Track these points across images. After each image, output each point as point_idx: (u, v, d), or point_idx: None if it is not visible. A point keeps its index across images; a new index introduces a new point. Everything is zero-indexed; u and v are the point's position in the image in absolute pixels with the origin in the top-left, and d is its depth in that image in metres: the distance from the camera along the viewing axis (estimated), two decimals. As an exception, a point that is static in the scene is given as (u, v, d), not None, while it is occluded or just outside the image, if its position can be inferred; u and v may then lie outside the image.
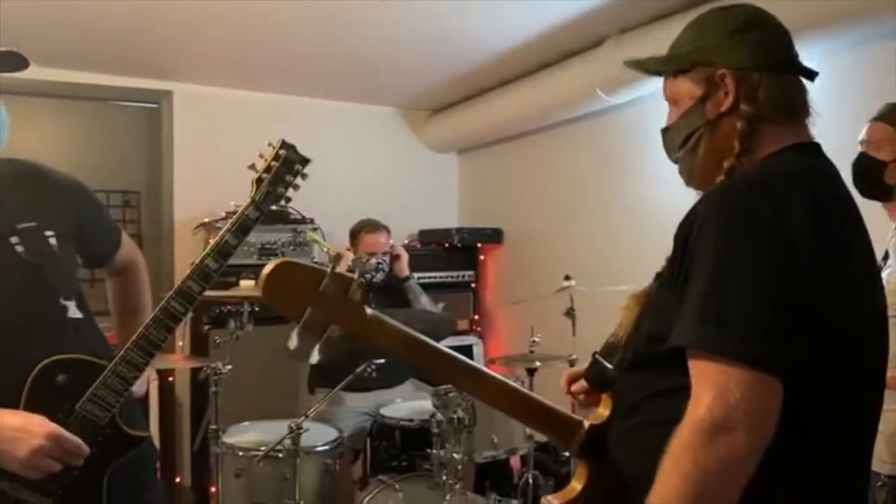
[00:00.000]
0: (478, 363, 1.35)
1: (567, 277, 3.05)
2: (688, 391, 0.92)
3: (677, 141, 1.15)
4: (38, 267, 1.39)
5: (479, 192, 4.94)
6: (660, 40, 2.98)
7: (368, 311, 1.12)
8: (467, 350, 4.44)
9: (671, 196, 3.10)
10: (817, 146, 1.09)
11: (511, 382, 1.22)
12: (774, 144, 1.06)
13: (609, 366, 1.19)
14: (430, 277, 4.45)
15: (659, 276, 1.09)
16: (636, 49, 3.06)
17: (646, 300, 1.12)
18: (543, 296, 3.18)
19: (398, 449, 2.85)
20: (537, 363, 2.91)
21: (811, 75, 1.11)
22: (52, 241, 1.44)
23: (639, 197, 3.47)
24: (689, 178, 1.16)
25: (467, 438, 2.47)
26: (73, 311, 1.45)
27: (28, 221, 1.42)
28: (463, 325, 4.56)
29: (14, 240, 1.39)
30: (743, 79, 1.06)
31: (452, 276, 4.55)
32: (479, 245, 4.64)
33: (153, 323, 1.41)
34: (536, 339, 3.01)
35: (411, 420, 2.81)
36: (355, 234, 3.42)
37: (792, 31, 1.12)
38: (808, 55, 1.16)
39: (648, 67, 1.22)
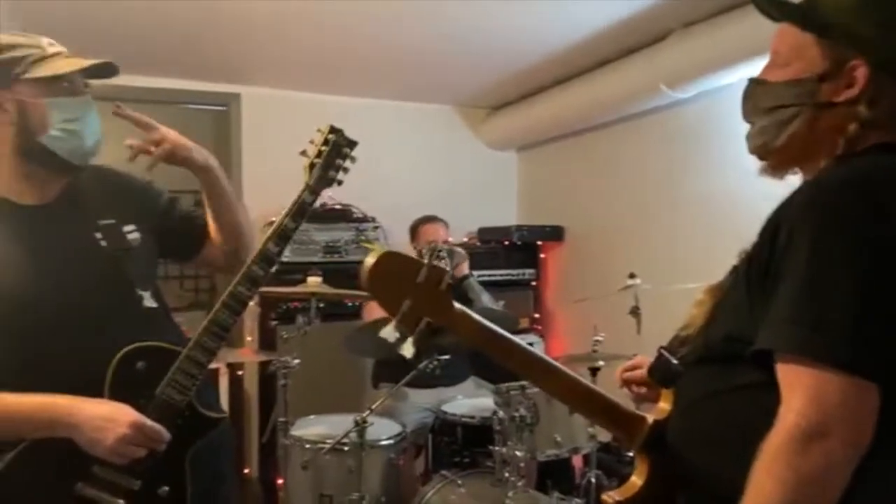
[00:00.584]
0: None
1: (632, 276, 3.01)
2: (759, 390, 0.91)
3: (767, 104, 1.07)
4: (117, 260, 1.48)
5: (539, 189, 4.92)
6: (726, 33, 2.94)
7: (456, 305, 1.13)
8: (528, 349, 4.42)
9: (738, 192, 3.07)
10: None
11: (578, 376, 1.21)
12: (863, 144, 1.00)
13: (675, 361, 1.17)
14: (489, 276, 4.45)
15: (735, 270, 1.07)
16: (701, 43, 3.02)
17: (720, 295, 1.09)
18: (607, 294, 3.15)
19: (460, 445, 2.87)
20: (600, 362, 2.88)
21: None
22: (131, 235, 1.53)
23: (705, 193, 3.39)
24: (760, 149, 1.09)
25: (529, 437, 2.48)
26: (149, 301, 1.53)
27: (108, 219, 1.51)
28: (523, 323, 4.54)
29: (98, 235, 1.49)
30: (875, 78, 0.98)
31: (512, 275, 4.54)
32: (539, 243, 4.62)
33: (222, 307, 1.47)
34: (600, 339, 2.97)
35: (473, 417, 2.83)
36: (414, 228, 3.50)
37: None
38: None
39: (777, 10, 1.09)
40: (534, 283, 4.62)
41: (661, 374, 1.21)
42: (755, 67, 1.14)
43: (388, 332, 1.10)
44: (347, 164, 1.59)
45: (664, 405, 1.17)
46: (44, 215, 1.45)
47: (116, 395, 1.38)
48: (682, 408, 1.11)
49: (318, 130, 1.59)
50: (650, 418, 1.16)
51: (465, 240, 4.70)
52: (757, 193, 1.09)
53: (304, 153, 1.58)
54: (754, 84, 1.11)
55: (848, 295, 0.86)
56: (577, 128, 4.26)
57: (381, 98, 4.57)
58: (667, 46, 3.19)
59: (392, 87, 4.37)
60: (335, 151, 1.56)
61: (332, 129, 1.57)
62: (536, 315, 4.62)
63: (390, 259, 1.09)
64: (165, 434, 1.38)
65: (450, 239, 3.49)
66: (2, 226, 1.40)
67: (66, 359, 1.37)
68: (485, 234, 4.68)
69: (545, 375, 1.21)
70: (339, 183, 1.60)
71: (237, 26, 3.19)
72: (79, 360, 1.37)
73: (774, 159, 1.08)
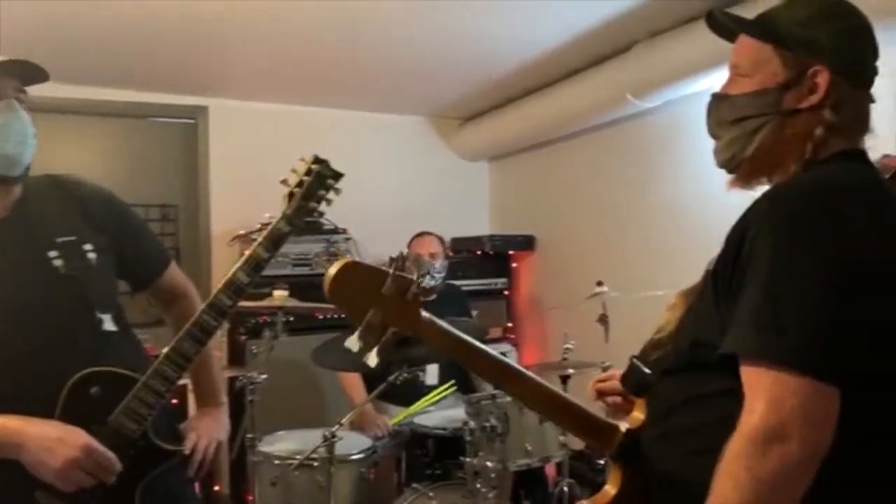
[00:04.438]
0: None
1: (599, 283, 3.03)
2: (730, 396, 0.91)
3: (732, 115, 1.08)
4: (74, 280, 1.42)
5: (511, 199, 4.94)
6: (689, 43, 2.98)
7: (424, 314, 1.12)
8: (501, 358, 4.42)
9: (704, 200, 3.10)
10: (865, 154, 1.07)
11: (550, 385, 1.21)
12: (826, 151, 1.03)
13: (647, 370, 1.17)
14: (462, 285, 4.45)
15: (706, 281, 1.07)
16: (666, 53, 3.05)
17: (693, 299, 1.10)
18: (576, 302, 3.16)
19: (432, 457, 2.85)
20: (570, 370, 2.89)
21: (874, 99, 1.08)
22: (91, 254, 1.47)
23: (671, 202, 3.43)
24: (729, 162, 1.10)
25: (500, 447, 2.47)
26: (109, 324, 1.48)
27: (67, 235, 1.46)
28: (496, 332, 4.55)
29: (52, 254, 1.43)
30: (836, 84, 1.02)
31: (485, 284, 4.55)
32: (511, 252, 4.63)
33: (185, 336, 1.42)
34: (570, 346, 2.99)
35: (444, 429, 2.81)
36: (409, 243, 3.50)
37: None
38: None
39: (737, 25, 1.11)
40: (506, 293, 4.62)
41: (633, 383, 1.21)
42: (719, 76, 1.16)
43: (352, 342, 1.09)
44: (331, 195, 1.53)
45: (637, 414, 1.17)
46: None
47: (67, 421, 1.33)
48: (655, 416, 1.12)
49: (302, 159, 1.55)
50: (623, 427, 1.17)
51: (438, 250, 4.71)
52: (722, 201, 1.11)
53: (284, 182, 1.53)
54: (717, 99, 1.13)
55: (809, 301, 0.88)
56: (547, 138, 4.29)
57: (353, 109, 4.56)
58: (632, 57, 3.23)
59: (364, 98, 4.36)
60: (317, 182, 1.50)
61: (317, 160, 1.51)
62: (509, 324, 4.62)
63: (354, 269, 1.08)
64: (117, 464, 1.33)
65: (437, 252, 3.45)
66: None
67: (18, 385, 1.33)
68: (458, 243, 4.68)
69: (517, 384, 1.21)
70: (321, 214, 1.56)
71: (204, 37, 3.17)
72: (30, 386, 1.34)
73: (744, 170, 1.09)
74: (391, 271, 1.08)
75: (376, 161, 4.62)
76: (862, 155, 1.06)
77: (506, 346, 4.48)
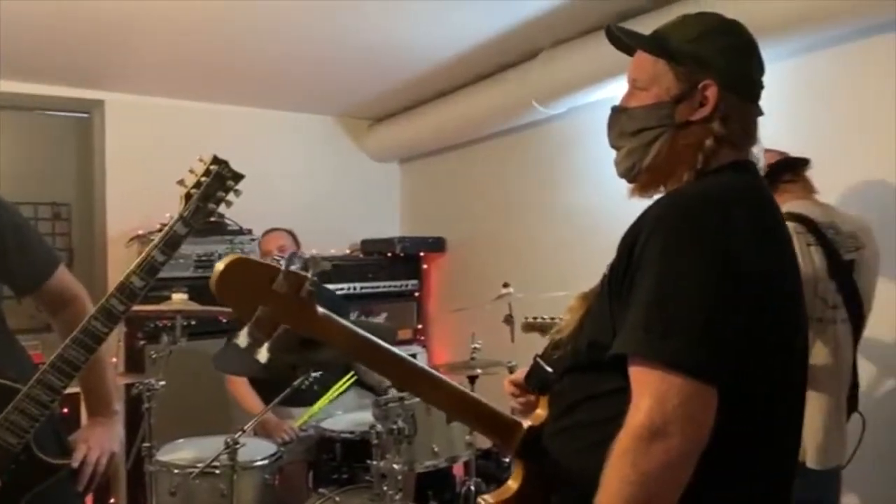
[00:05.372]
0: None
1: (505, 285, 3.08)
2: (622, 394, 0.95)
3: (631, 128, 1.13)
4: None
5: (422, 201, 4.96)
6: (593, 52, 3.07)
7: (319, 310, 1.10)
8: (411, 359, 4.43)
9: (606, 205, 3.21)
10: (753, 164, 1.13)
11: (455, 384, 1.22)
12: (716, 162, 1.08)
13: (549, 369, 1.21)
14: (373, 287, 4.45)
15: (603, 284, 1.11)
16: (570, 61, 3.14)
17: (591, 302, 1.14)
18: (483, 303, 3.21)
19: (339, 461, 2.82)
20: (477, 370, 2.93)
21: (762, 112, 1.15)
22: None
23: (574, 205, 3.54)
24: (629, 172, 1.15)
25: (407, 449, 2.48)
26: None
27: None
28: (406, 334, 4.57)
29: None
30: (725, 97, 1.07)
31: (396, 286, 4.55)
32: (422, 254, 4.66)
33: (73, 343, 1.36)
34: (477, 346, 3.03)
35: (352, 432, 2.79)
36: (259, 241, 3.49)
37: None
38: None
39: (633, 41, 1.17)
40: (417, 294, 4.64)
41: (536, 382, 1.25)
42: (621, 85, 1.21)
43: (241, 338, 1.07)
44: (231, 196, 1.50)
45: (540, 411, 1.20)
46: None
47: None
48: (555, 413, 1.15)
49: (200, 160, 1.50)
50: (526, 423, 1.19)
51: (349, 252, 4.67)
52: (622, 206, 1.14)
53: (181, 183, 1.48)
54: (617, 112, 1.18)
55: (695, 303, 0.93)
56: (456, 141, 4.33)
57: (260, 107, 4.47)
58: (538, 64, 3.31)
59: (272, 96, 4.28)
60: (216, 183, 1.47)
61: (215, 160, 1.48)
62: (419, 325, 4.64)
63: (242, 265, 1.06)
64: None
65: (287, 246, 3.39)
66: None
67: None
68: (368, 245, 4.66)
69: (420, 382, 1.21)
70: (220, 216, 1.52)
71: (98, 28, 3.01)
72: None
73: (642, 179, 1.14)
74: (282, 268, 1.07)
75: (284, 161, 4.54)
76: (750, 165, 1.13)
77: (416, 348, 4.51)
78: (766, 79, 1.14)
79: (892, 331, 2.24)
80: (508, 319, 3.06)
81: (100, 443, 1.52)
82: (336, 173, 4.80)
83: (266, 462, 2.55)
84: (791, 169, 1.86)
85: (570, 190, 3.59)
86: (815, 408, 1.69)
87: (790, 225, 1.68)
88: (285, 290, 1.05)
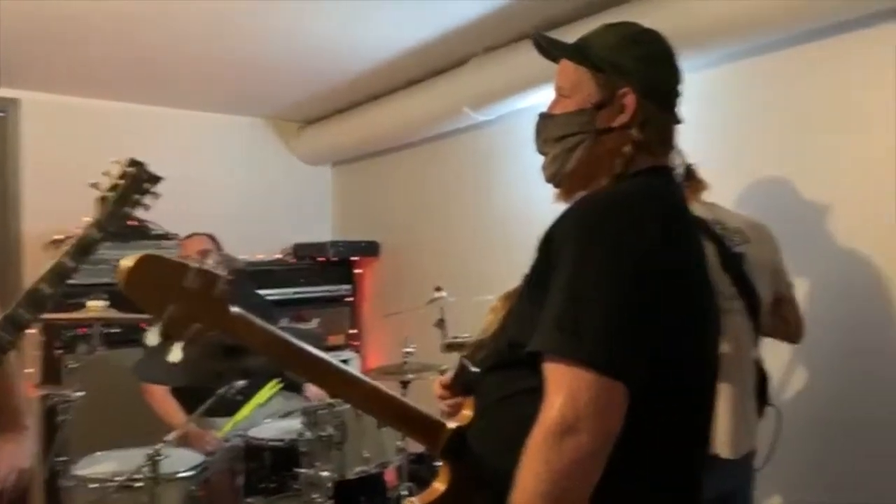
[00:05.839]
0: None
1: (438, 289, 3.09)
2: (540, 393, 0.96)
3: (555, 134, 1.16)
4: None
5: (355, 205, 4.92)
6: (523, 59, 3.12)
7: (233, 309, 1.08)
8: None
9: (535, 209, 3.25)
10: (670, 170, 1.17)
11: (379, 385, 1.21)
12: (634, 167, 1.12)
13: (474, 369, 1.21)
14: (305, 293, 4.38)
15: (524, 284, 1.12)
16: (501, 68, 3.18)
17: (514, 302, 1.15)
18: (415, 308, 3.21)
19: (268, 470, 2.77)
20: (409, 375, 2.92)
21: (679, 121, 1.18)
22: None
23: (505, 209, 3.58)
24: (554, 177, 1.18)
25: (337, 455, 2.46)
26: None
27: None
28: (339, 340, 4.52)
29: None
30: (642, 105, 1.11)
31: (329, 291, 4.51)
32: (355, 258, 4.62)
33: None
34: (410, 351, 3.02)
35: (281, 440, 2.75)
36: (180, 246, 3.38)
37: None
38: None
39: (556, 49, 1.21)
40: (350, 299, 4.60)
41: (462, 383, 1.26)
42: (551, 92, 1.23)
43: (150, 337, 1.04)
44: (148, 200, 1.46)
45: (467, 412, 1.20)
46: None
47: None
48: (479, 413, 1.16)
49: (116, 162, 1.45)
50: (452, 424, 1.19)
51: (280, 256, 4.60)
52: (551, 211, 1.15)
53: (95, 185, 1.43)
54: (543, 118, 1.20)
55: (606, 302, 0.95)
56: (389, 145, 4.32)
57: (186, 108, 4.35)
58: (469, 70, 3.33)
59: (199, 97, 4.17)
60: (133, 186, 1.43)
61: (133, 162, 1.44)
62: (353, 331, 4.61)
63: (152, 262, 1.03)
64: None
65: (208, 249, 3.31)
66: None
67: None
68: (300, 250, 4.60)
69: (343, 384, 1.19)
70: (138, 220, 1.47)
71: (14, 25, 2.87)
72: None
73: (566, 184, 1.17)
74: (193, 265, 1.04)
75: (212, 164, 4.44)
76: (667, 171, 1.17)
77: (349, 353, 4.47)
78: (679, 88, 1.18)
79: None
80: (441, 323, 3.07)
81: (8, 460, 1.45)
82: (266, 176, 4.72)
83: (191, 473, 2.47)
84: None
85: (502, 194, 3.63)
86: (721, 397, 1.75)
87: None
88: (197, 288, 1.03)
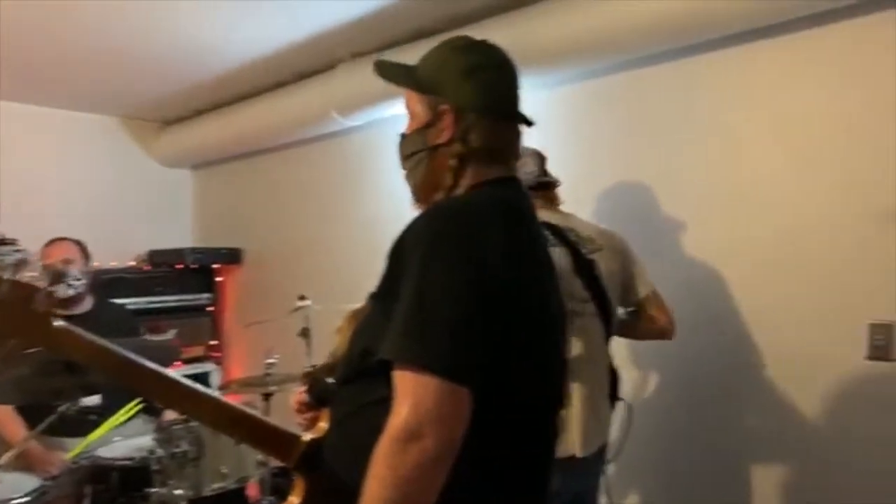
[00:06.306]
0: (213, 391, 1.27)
1: (302, 297, 3.03)
2: (391, 402, 0.96)
3: (405, 152, 1.23)
4: None
5: (217, 209, 4.73)
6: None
7: (57, 323, 1.02)
8: (203, 378, 4.21)
9: (402, 216, 3.25)
10: (515, 179, 1.21)
11: (228, 400, 1.17)
12: (480, 178, 1.16)
13: (329, 380, 1.21)
14: (161, 302, 4.16)
15: (373, 295, 1.13)
16: (368, 74, 3.16)
17: (361, 318, 1.15)
18: (279, 317, 3.13)
19: (116, 491, 2.58)
20: (272, 387, 2.83)
21: (528, 123, 1.22)
22: None
23: (372, 216, 3.57)
24: (412, 193, 1.24)
25: (193, 472, 2.34)
26: None
27: None
28: (199, 351, 4.33)
29: None
30: (461, 118, 1.14)
31: (187, 300, 4.31)
32: (216, 266, 4.44)
33: None
34: (273, 361, 2.93)
35: (131, 459, 2.57)
36: (41, 251, 3.10)
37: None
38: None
39: (391, 74, 1.25)
40: (211, 309, 4.41)
41: (317, 395, 1.25)
42: None
43: None
44: None
45: (322, 424, 1.19)
46: None
47: None
48: (334, 424, 1.15)
49: None
50: (306, 437, 1.18)
51: (133, 263, 4.33)
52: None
53: None
54: (400, 137, 1.25)
55: (449, 309, 0.97)
56: (254, 148, 4.19)
57: (33, 104, 4.02)
58: (337, 74, 3.30)
59: (47, 92, 3.86)
60: None
61: None
62: (214, 342, 4.42)
63: None
64: None
65: (74, 258, 3.08)
66: None
67: None
68: (156, 256, 4.37)
69: (187, 400, 1.16)
70: None
71: None
72: None
73: (417, 197, 1.22)
74: (5, 278, 0.97)
75: (60, 164, 4.14)
76: (513, 181, 1.21)
77: (209, 366, 4.29)
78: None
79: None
80: (305, 332, 3.01)
81: None
82: (120, 179, 4.45)
83: (25, 499, 2.26)
84: (534, 188, 2.03)
85: (369, 201, 3.62)
86: (575, 397, 1.84)
87: None
88: (11, 302, 0.97)
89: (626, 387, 2.10)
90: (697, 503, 2.44)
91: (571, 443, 1.83)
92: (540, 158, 2.11)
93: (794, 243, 2.21)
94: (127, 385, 1.07)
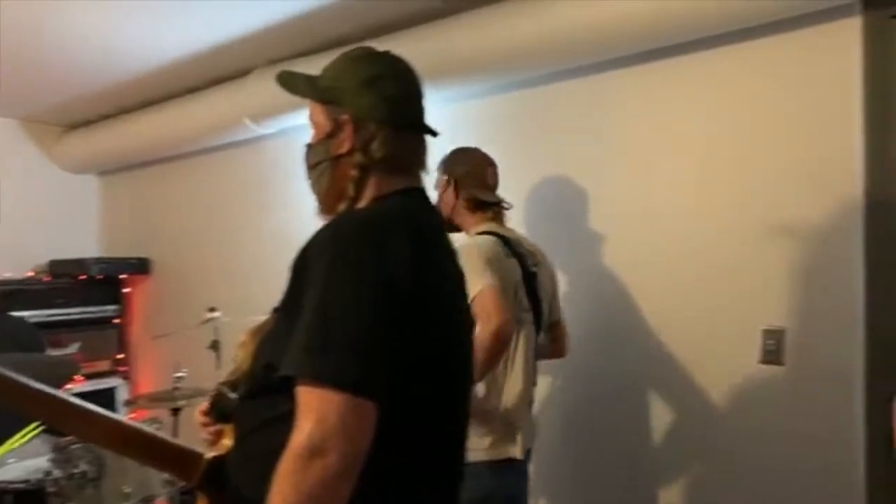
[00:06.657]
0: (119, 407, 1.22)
1: (212, 309, 2.95)
2: (294, 418, 0.94)
3: (310, 161, 1.22)
4: None
5: (124, 218, 4.55)
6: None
7: None
8: (109, 393, 4.03)
9: (314, 226, 3.22)
10: (421, 190, 1.21)
11: (123, 419, 1.12)
12: (385, 189, 1.15)
13: (232, 396, 1.17)
14: (62, 314, 3.96)
15: (277, 309, 1.11)
16: (283, 82, 3.12)
17: (264, 332, 1.13)
18: (187, 329, 3.03)
19: (9, 516, 2.44)
20: (181, 402, 2.74)
21: (433, 133, 1.22)
22: None
23: (284, 226, 3.50)
24: (317, 203, 1.23)
25: (94, 493, 2.24)
26: None
27: None
28: (105, 366, 4.14)
29: None
30: (361, 128, 1.14)
31: (91, 313, 4.12)
32: (123, 276, 4.26)
33: None
34: (181, 375, 2.84)
35: (26, 481, 2.42)
36: None
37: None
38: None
39: (293, 85, 1.24)
40: (117, 321, 4.23)
41: (219, 411, 1.20)
42: None
43: None
44: None
45: (226, 441, 1.15)
46: None
47: None
48: (237, 441, 1.12)
49: None
50: (208, 454, 1.14)
51: (31, 274, 4.10)
52: None
53: None
54: (306, 147, 1.24)
55: (351, 323, 0.96)
56: (164, 154, 4.05)
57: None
58: (251, 81, 3.24)
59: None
60: None
61: None
62: (120, 356, 4.23)
63: None
64: None
65: None
66: None
67: None
68: (57, 267, 4.15)
69: (77, 420, 1.10)
70: None
71: None
72: None
73: (322, 208, 1.22)
74: None
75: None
76: (419, 192, 1.21)
77: (115, 380, 4.11)
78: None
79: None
80: (215, 345, 2.93)
81: None
82: (18, 185, 4.19)
83: None
84: (482, 206, 2.06)
85: (281, 210, 3.55)
86: (519, 399, 1.90)
87: (490, 238, 1.90)
88: None
89: (537, 393, 2.14)
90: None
91: (513, 446, 1.89)
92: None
93: (695, 256, 2.31)
94: (12, 406, 1.01)
